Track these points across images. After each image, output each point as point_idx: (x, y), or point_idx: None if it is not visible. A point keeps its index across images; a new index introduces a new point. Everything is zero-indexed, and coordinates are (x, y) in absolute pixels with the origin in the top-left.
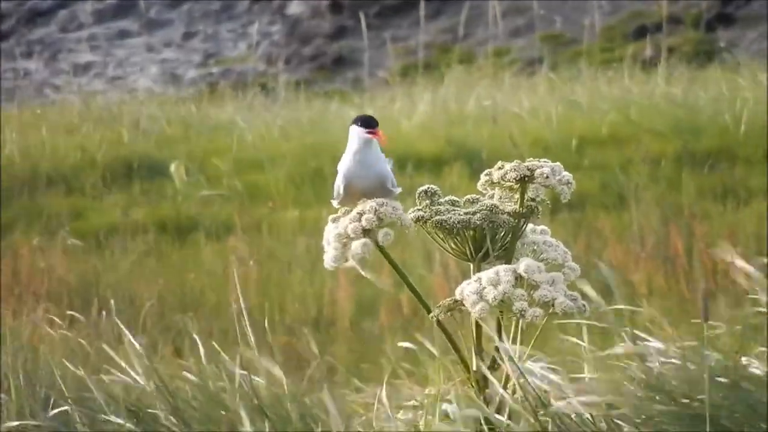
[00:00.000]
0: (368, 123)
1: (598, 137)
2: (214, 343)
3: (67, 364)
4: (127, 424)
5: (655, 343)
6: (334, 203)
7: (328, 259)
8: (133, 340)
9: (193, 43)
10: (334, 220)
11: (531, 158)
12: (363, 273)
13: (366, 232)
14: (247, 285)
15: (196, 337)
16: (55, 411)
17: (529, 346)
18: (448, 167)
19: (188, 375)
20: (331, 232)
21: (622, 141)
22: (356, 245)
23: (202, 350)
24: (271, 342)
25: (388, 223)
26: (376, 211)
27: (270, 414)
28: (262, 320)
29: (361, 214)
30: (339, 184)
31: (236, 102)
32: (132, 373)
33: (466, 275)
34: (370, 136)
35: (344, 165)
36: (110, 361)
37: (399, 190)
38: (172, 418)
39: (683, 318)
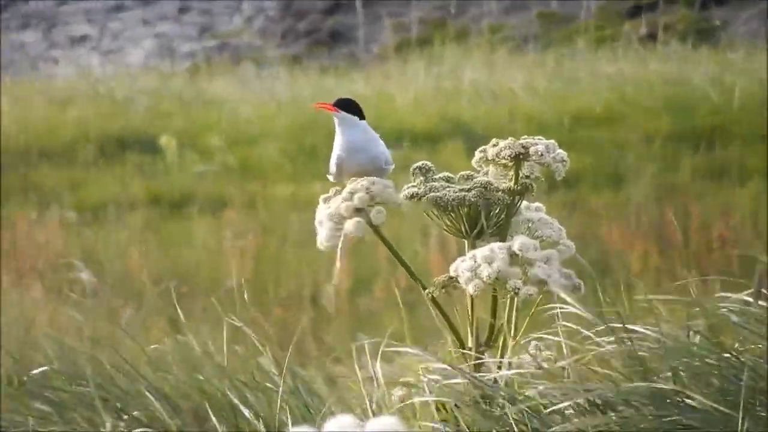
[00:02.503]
0: (340, 104)
1: (593, 115)
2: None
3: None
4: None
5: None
6: (330, 178)
7: (321, 239)
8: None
9: (188, 17)
10: (326, 200)
11: (525, 136)
12: (338, 264)
13: (358, 211)
14: (242, 260)
15: (180, 312)
16: (37, 371)
17: (524, 324)
18: (443, 143)
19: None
20: (323, 212)
21: (617, 119)
22: (349, 224)
23: (186, 326)
24: (264, 316)
25: (380, 201)
26: (367, 189)
27: (257, 389)
28: (256, 295)
29: (353, 193)
30: (332, 164)
31: (231, 77)
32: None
33: (462, 251)
34: (317, 108)
35: (336, 145)
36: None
37: (392, 166)
38: (156, 397)
39: (676, 295)
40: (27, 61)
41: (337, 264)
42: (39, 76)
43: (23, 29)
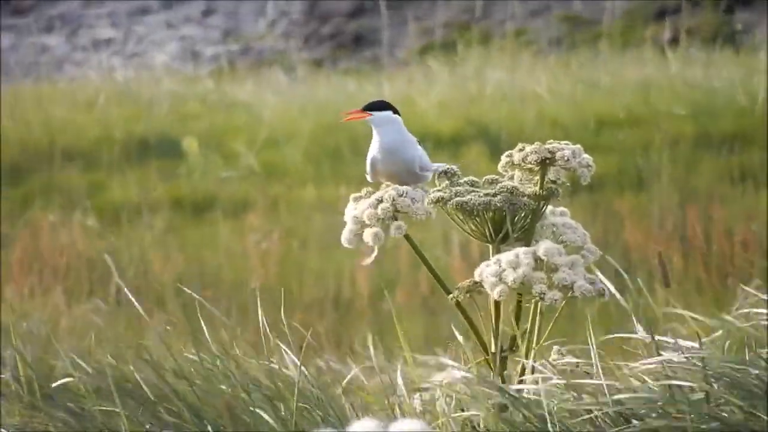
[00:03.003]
0: (373, 107)
1: (617, 119)
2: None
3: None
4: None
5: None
6: (368, 178)
7: (344, 238)
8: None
9: (212, 20)
10: (356, 200)
11: (551, 140)
12: (367, 261)
13: (380, 221)
14: (265, 263)
15: (201, 321)
16: (59, 383)
17: (547, 330)
18: (467, 146)
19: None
20: (350, 212)
21: (640, 123)
22: (367, 233)
23: (207, 334)
24: (287, 319)
25: (405, 212)
26: (393, 200)
27: (280, 399)
28: (279, 298)
29: (379, 201)
30: (368, 164)
31: (255, 80)
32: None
33: (484, 257)
34: (346, 119)
35: (372, 146)
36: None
37: (429, 173)
38: (177, 402)
39: (700, 301)
40: (51, 63)
41: (370, 258)
42: (63, 78)
43: (47, 32)
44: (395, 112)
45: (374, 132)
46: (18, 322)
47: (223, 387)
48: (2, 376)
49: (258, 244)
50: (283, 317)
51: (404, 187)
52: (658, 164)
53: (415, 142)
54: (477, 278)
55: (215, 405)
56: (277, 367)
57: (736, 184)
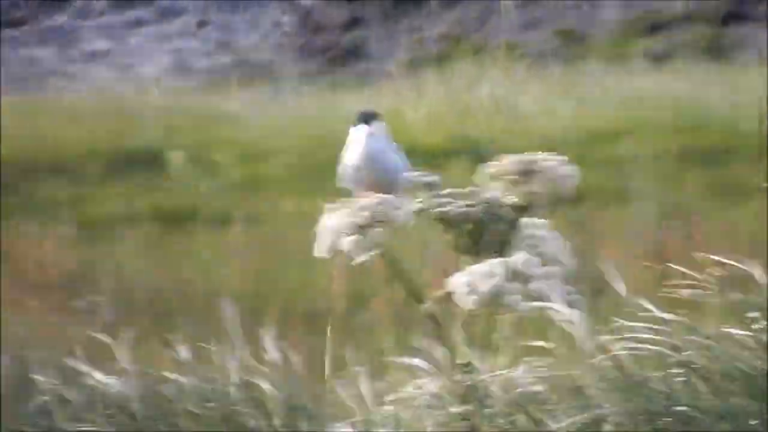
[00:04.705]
0: (364, 117)
1: (604, 132)
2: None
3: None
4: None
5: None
6: (343, 186)
7: (319, 248)
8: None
9: (206, 32)
10: (332, 210)
11: (534, 152)
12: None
13: (360, 229)
14: (245, 276)
15: (181, 335)
16: (35, 403)
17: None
18: (456, 160)
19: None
20: (326, 222)
21: (627, 136)
22: (346, 242)
23: (183, 349)
24: (266, 331)
25: (384, 221)
26: (372, 208)
27: (256, 404)
28: (257, 311)
29: (358, 210)
30: (345, 172)
31: (244, 92)
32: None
33: (462, 267)
34: None
35: (349, 156)
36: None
37: (407, 182)
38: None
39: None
40: (39, 76)
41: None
42: (54, 90)
43: (41, 45)
44: (372, 117)
45: (358, 139)
46: None
47: (199, 398)
48: None
49: (239, 256)
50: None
51: (385, 195)
52: (642, 178)
53: (396, 148)
54: (450, 289)
55: (193, 417)
56: (252, 377)
57: (719, 198)
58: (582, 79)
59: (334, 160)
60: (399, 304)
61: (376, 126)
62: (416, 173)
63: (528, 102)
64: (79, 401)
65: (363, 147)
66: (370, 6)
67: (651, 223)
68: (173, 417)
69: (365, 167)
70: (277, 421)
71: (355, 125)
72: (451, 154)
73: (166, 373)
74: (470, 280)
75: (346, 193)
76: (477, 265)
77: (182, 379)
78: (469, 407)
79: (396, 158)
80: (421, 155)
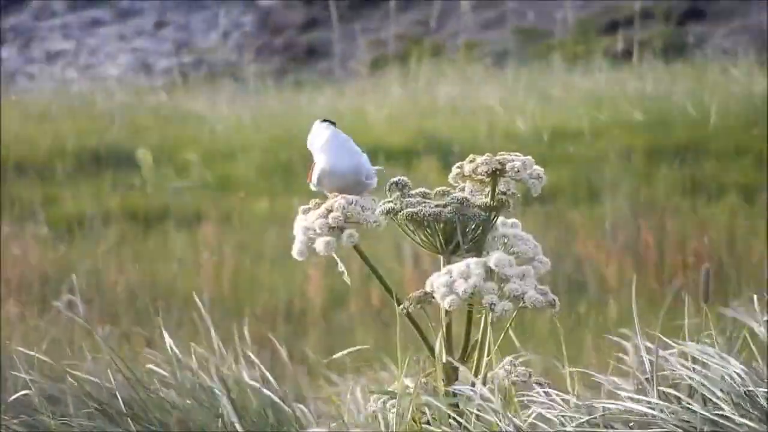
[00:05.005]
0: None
1: (570, 131)
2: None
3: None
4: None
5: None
6: (312, 187)
7: (295, 251)
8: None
9: (164, 33)
10: (305, 212)
11: (502, 152)
12: (340, 266)
13: (332, 230)
14: (218, 275)
15: (164, 330)
16: (16, 396)
17: (498, 340)
18: (419, 159)
19: (155, 368)
20: (299, 224)
21: (593, 134)
22: (319, 242)
23: (169, 341)
24: (239, 330)
25: (356, 222)
26: (343, 209)
27: (239, 409)
28: (232, 310)
29: (329, 211)
30: (314, 175)
31: (207, 92)
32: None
33: (437, 268)
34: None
35: (319, 158)
36: (80, 351)
37: (374, 182)
38: (136, 411)
39: (651, 311)
40: (3, 76)
41: (342, 268)
42: (15, 91)
43: (1, 44)
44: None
45: (321, 144)
46: None
47: (178, 396)
48: None
49: (210, 255)
50: (243, 327)
51: (354, 196)
52: (611, 176)
53: (357, 151)
54: (428, 289)
55: (172, 414)
56: (230, 376)
57: (689, 196)
58: (544, 77)
59: (300, 158)
60: (378, 304)
61: (326, 132)
62: (376, 167)
63: (489, 101)
64: (62, 398)
65: (331, 147)
66: (328, 7)
67: (623, 221)
68: (155, 413)
69: (330, 172)
70: (256, 421)
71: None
72: (413, 153)
73: (151, 366)
74: (448, 280)
75: (318, 194)
76: (454, 265)
77: (165, 373)
78: (453, 405)
79: (361, 160)
80: (385, 154)
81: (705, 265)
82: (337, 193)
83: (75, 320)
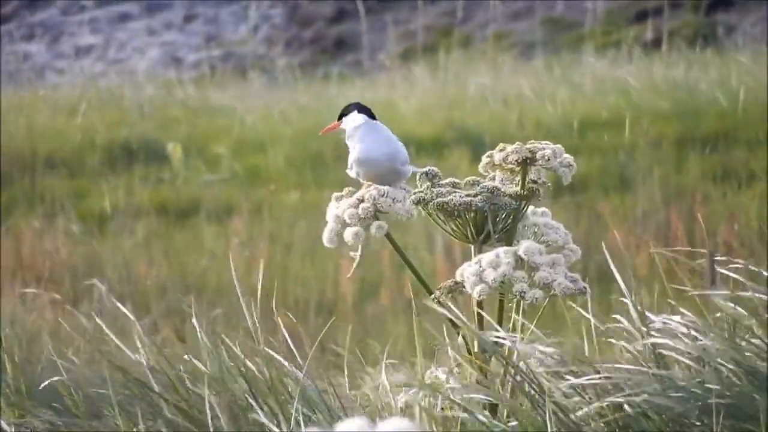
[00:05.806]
0: (365, 110)
1: (599, 120)
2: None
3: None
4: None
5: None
6: (349, 174)
7: (326, 238)
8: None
9: (193, 26)
10: (338, 199)
11: (532, 141)
12: (354, 263)
13: (362, 220)
14: (249, 267)
15: (195, 322)
16: (46, 382)
17: (533, 325)
18: (449, 150)
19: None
20: (331, 211)
21: (623, 124)
22: (348, 233)
23: (201, 334)
24: (272, 323)
25: (386, 212)
26: (374, 200)
27: (273, 399)
28: (263, 302)
29: (360, 201)
30: (351, 163)
31: (237, 85)
32: (134, 356)
33: (468, 257)
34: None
35: (353, 147)
36: (111, 344)
37: (410, 170)
38: (169, 400)
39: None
40: (32, 71)
41: (352, 269)
42: (46, 85)
43: (28, 40)
44: (367, 111)
45: (357, 132)
46: (3, 327)
47: (216, 386)
48: None
49: (242, 248)
50: (277, 318)
51: (386, 187)
52: (642, 165)
53: (394, 139)
54: (458, 278)
55: (210, 404)
56: (266, 366)
57: (719, 184)
58: (573, 67)
59: (331, 150)
60: (410, 294)
61: (362, 118)
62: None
63: (519, 91)
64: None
65: (360, 140)
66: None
67: (654, 209)
68: (191, 402)
69: (365, 160)
70: (291, 411)
71: (349, 113)
72: (443, 144)
73: (186, 357)
74: (478, 269)
75: (352, 182)
76: (484, 254)
77: (199, 365)
78: (488, 394)
79: (394, 146)
80: (415, 146)
81: (711, 250)
82: (370, 182)
83: (105, 314)
